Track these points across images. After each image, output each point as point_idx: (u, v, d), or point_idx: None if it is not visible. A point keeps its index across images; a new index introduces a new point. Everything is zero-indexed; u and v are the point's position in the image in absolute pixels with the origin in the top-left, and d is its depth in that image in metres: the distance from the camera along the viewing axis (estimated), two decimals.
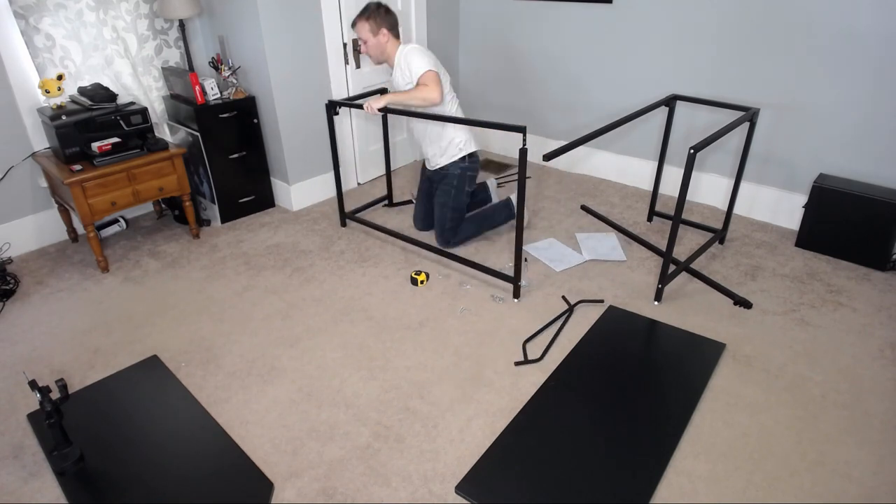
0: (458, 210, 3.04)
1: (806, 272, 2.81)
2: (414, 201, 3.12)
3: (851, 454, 1.84)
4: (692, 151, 2.23)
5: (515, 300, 2.64)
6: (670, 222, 3.24)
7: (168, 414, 2.06)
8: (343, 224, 3.39)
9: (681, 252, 2.99)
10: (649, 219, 3.34)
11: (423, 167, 3.21)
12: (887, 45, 2.65)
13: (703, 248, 2.82)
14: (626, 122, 2.72)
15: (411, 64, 2.74)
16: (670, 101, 2.92)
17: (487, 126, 2.44)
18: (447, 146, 2.95)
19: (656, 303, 2.61)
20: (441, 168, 3.02)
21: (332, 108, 3.00)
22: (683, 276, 2.80)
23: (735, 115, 3.15)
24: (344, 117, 3.70)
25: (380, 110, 2.77)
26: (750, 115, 2.64)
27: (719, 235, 3.02)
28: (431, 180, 3.14)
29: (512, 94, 4.16)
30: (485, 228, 3.19)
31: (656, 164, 3.26)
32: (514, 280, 2.62)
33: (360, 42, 2.83)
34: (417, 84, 2.74)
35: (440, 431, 1.96)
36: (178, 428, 2.00)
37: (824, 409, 2.02)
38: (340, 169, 3.79)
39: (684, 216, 3.34)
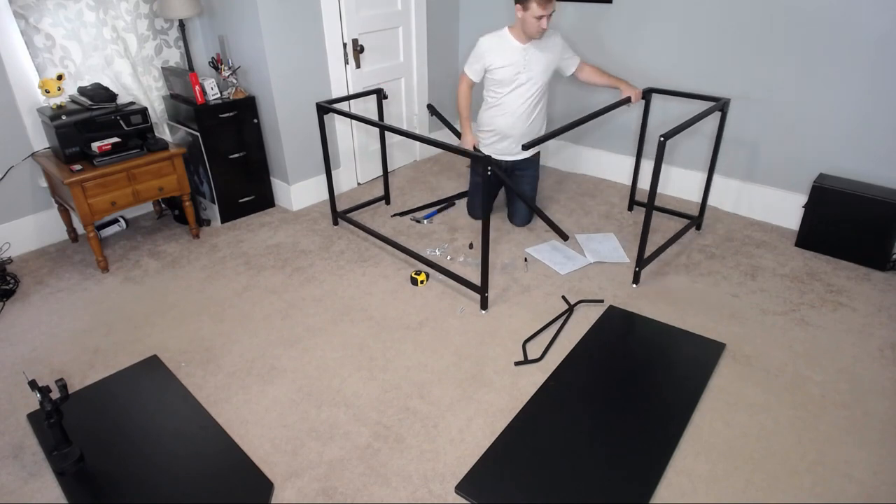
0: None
1: (806, 272, 2.81)
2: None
3: (851, 454, 1.84)
4: (662, 139, 2.38)
5: (483, 311, 2.57)
6: (654, 212, 3.44)
7: (168, 414, 2.06)
8: (335, 223, 3.40)
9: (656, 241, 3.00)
10: (630, 208, 3.49)
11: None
12: (887, 45, 2.65)
13: (679, 233, 3.00)
14: (603, 114, 2.92)
15: None
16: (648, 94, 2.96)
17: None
18: None
19: (634, 286, 2.71)
20: None
21: (324, 111, 3.04)
22: (684, 276, 2.80)
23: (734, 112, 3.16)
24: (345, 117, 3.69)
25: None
26: (720, 105, 2.83)
27: (695, 222, 3.18)
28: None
29: None
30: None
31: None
32: (481, 290, 2.54)
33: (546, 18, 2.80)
34: None
35: (440, 431, 1.96)
36: (178, 428, 2.00)
37: (824, 409, 2.02)
38: (341, 169, 3.80)
39: (670, 209, 3.42)
